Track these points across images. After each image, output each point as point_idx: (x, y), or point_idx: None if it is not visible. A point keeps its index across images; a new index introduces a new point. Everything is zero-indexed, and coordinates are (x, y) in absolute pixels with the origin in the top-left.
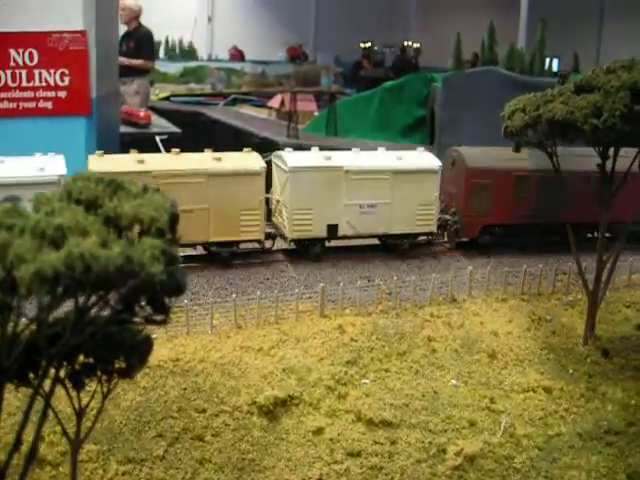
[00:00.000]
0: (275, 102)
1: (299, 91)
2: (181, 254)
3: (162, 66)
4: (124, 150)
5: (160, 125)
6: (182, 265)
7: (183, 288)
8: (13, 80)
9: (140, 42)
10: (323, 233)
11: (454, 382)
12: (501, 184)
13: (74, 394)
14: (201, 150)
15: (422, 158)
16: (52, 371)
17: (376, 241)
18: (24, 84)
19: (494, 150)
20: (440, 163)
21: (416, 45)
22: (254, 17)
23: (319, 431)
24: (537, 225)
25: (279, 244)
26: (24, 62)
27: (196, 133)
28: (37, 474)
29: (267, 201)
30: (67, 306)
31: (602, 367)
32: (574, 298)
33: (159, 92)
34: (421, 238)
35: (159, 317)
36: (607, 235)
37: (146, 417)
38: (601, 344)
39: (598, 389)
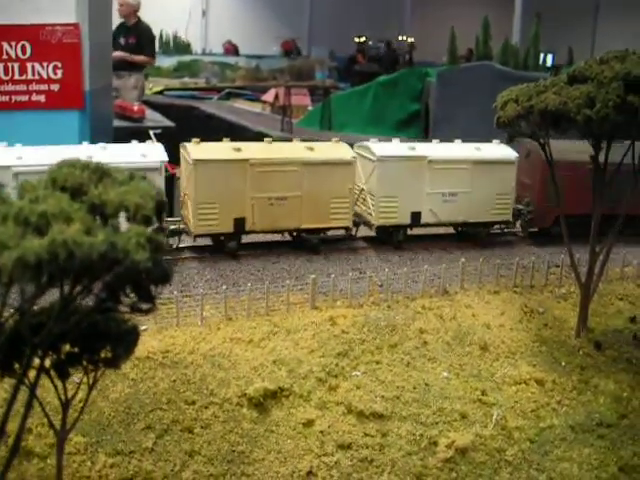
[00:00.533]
0: (269, 96)
1: (293, 85)
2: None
3: (156, 60)
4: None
5: (154, 119)
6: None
7: (169, 276)
8: (5, 73)
9: (141, 38)
10: (407, 220)
11: (445, 374)
12: (575, 175)
13: (60, 385)
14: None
15: (499, 150)
16: (37, 361)
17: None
18: (17, 77)
19: (568, 143)
20: (517, 154)
21: (410, 40)
22: (248, 11)
23: (309, 423)
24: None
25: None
26: (17, 55)
27: (190, 127)
28: (24, 466)
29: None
30: (53, 296)
31: (594, 360)
32: (567, 290)
33: (153, 86)
34: (496, 227)
35: (145, 306)
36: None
37: (135, 409)
38: (594, 336)
39: (590, 381)
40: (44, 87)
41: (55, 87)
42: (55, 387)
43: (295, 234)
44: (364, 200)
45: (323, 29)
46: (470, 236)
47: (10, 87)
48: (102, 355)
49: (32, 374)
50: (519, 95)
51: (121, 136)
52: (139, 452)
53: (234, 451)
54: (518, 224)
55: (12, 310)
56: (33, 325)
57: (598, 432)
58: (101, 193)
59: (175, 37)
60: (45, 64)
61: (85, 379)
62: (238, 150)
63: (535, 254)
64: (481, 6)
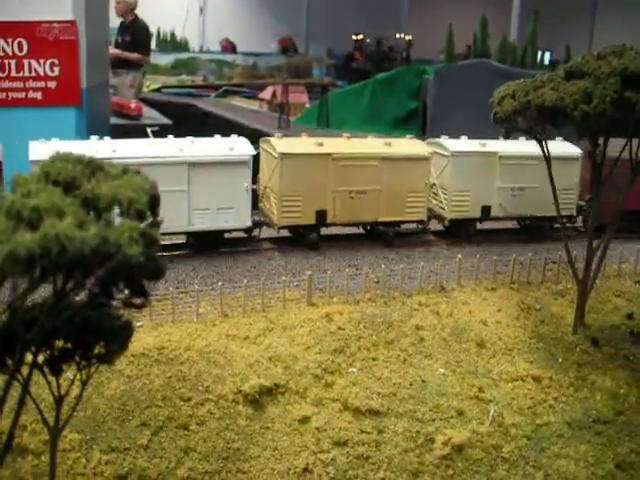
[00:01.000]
0: (266, 94)
1: (291, 83)
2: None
3: (153, 57)
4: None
5: (151, 117)
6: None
7: (162, 271)
8: (2, 70)
9: (136, 35)
10: (477, 214)
11: (442, 371)
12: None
13: (53, 381)
14: None
15: (564, 147)
16: (30, 357)
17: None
18: (13, 74)
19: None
20: (581, 151)
21: (407, 37)
22: (246, 8)
23: (305, 420)
24: None
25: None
26: (13, 52)
27: (187, 125)
28: (19, 463)
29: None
30: (47, 291)
31: (591, 356)
32: (564, 287)
33: (150, 84)
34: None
35: (138, 301)
36: None
37: (130, 406)
38: (591, 333)
39: (587, 378)
40: (41, 84)
41: (52, 84)
42: (48, 383)
43: (370, 227)
44: (435, 194)
45: (321, 27)
46: (533, 230)
47: (7, 84)
48: (96, 351)
49: (25, 370)
50: (516, 90)
51: (118, 133)
52: (134, 449)
53: (229, 448)
54: (580, 219)
55: (4, 305)
56: (25, 320)
57: (595, 429)
58: (94, 187)
59: (172, 35)
60: (42, 61)
61: (79, 375)
62: (320, 145)
63: (532, 250)
64: (479, 4)
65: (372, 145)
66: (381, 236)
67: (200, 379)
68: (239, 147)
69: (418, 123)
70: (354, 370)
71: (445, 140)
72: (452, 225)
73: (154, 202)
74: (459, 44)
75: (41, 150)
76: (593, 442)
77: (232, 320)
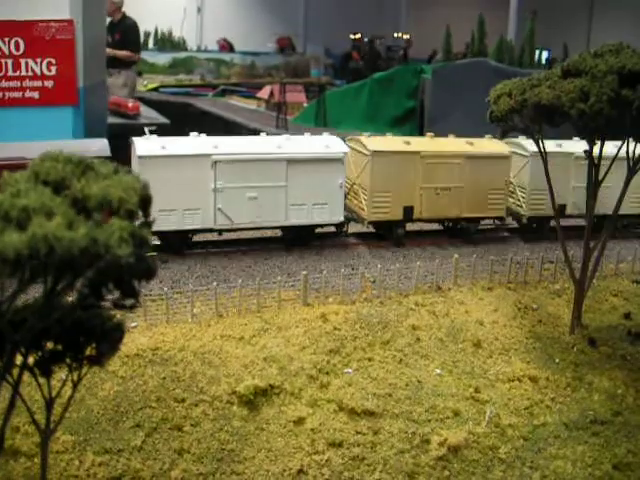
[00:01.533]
0: (264, 93)
1: (288, 82)
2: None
3: (151, 57)
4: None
5: (149, 116)
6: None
7: (153, 272)
8: None
9: (125, 34)
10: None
11: (438, 371)
12: None
13: (44, 383)
14: None
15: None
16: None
17: None
18: (10, 74)
19: None
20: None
21: (405, 36)
22: (244, 8)
23: (300, 421)
24: None
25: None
26: (10, 51)
27: (185, 124)
28: (11, 466)
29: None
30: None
31: (589, 356)
32: (561, 287)
33: (148, 83)
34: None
35: (128, 302)
36: None
37: (124, 407)
38: (588, 333)
39: (584, 378)
40: (38, 84)
41: (49, 83)
42: (39, 385)
43: (449, 223)
44: (512, 193)
45: (319, 26)
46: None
47: (4, 84)
48: (87, 352)
49: (16, 372)
50: (512, 89)
51: (116, 133)
52: (128, 450)
53: (224, 449)
54: None
55: None
56: (15, 322)
57: (592, 429)
58: (84, 187)
59: (170, 34)
60: (39, 60)
61: (70, 377)
62: (408, 143)
63: (529, 250)
64: (477, 3)
65: (455, 144)
66: (462, 232)
67: (194, 380)
68: (334, 145)
69: (416, 122)
70: (350, 371)
71: (524, 140)
72: (530, 223)
73: (145, 202)
74: (457, 44)
75: (148, 146)
76: (590, 443)
77: (227, 320)
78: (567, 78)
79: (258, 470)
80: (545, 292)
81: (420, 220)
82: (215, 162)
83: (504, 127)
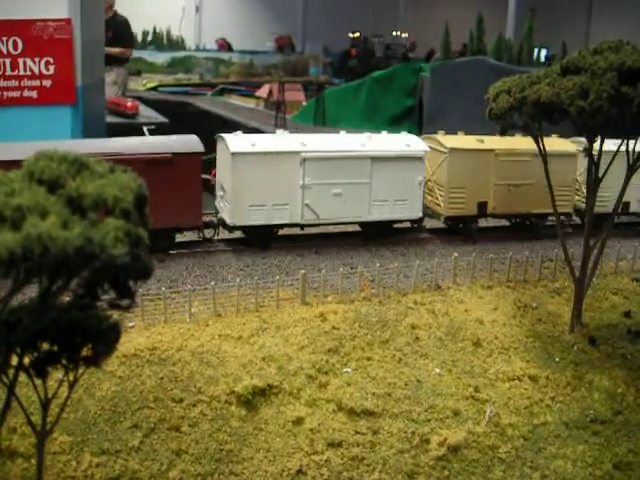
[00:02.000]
0: (263, 92)
1: (287, 81)
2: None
3: (150, 56)
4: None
5: (148, 115)
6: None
7: (149, 272)
8: None
9: (117, 30)
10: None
11: (438, 371)
12: None
13: (40, 383)
14: None
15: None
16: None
17: None
18: (8, 73)
19: None
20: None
21: (404, 35)
22: (242, 7)
23: (299, 421)
24: None
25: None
26: (8, 51)
27: (184, 123)
28: (8, 466)
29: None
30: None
31: (589, 355)
32: (561, 285)
33: (147, 82)
34: None
35: (124, 302)
36: None
37: (121, 407)
38: (588, 332)
39: (584, 377)
40: (36, 83)
41: (47, 83)
42: (35, 386)
43: (517, 220)
44: (577, 190)
45: (317, 25)
46: None
47: (2, 83)
48: (83, 353)
49: (12, 372)
50: (511, 86)
51: (114, 132)
52: (125, 451)
53: (222, 450)
54: None
55: None
56: (10, 322)
57: (592, 429)
58: (79, 186)
59: (169, 33)
60: (37, 60)
61: (66, 378)
62: (481, 141)
63: (529, 248)
64: (476, 2)
65: (525, 142)
66: (531, 228)
67: (192, 380)
68: (414, 143)
69: (414, 120)
70: (348, 370)
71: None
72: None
73: (141, 201)
74: (456, 42)
75: (239, 142)
76: (591, 442)
77: (225, 320)
78: (566, 75)
79: (257, 471)
80: (545, 290)
81: (493, 216)
82: (304, 159)
83: (503, 124)
